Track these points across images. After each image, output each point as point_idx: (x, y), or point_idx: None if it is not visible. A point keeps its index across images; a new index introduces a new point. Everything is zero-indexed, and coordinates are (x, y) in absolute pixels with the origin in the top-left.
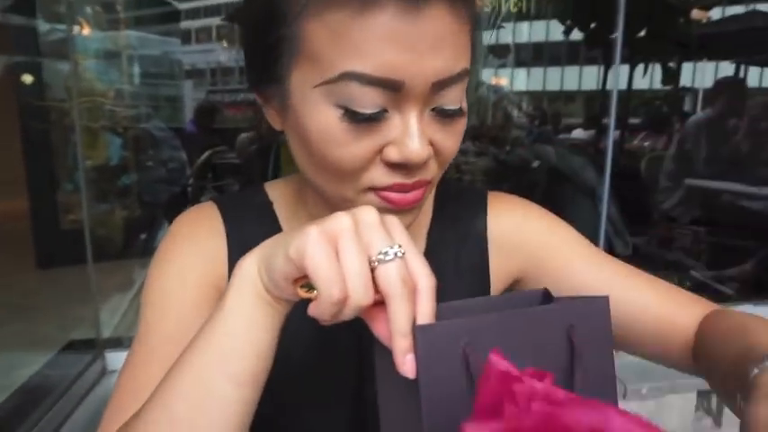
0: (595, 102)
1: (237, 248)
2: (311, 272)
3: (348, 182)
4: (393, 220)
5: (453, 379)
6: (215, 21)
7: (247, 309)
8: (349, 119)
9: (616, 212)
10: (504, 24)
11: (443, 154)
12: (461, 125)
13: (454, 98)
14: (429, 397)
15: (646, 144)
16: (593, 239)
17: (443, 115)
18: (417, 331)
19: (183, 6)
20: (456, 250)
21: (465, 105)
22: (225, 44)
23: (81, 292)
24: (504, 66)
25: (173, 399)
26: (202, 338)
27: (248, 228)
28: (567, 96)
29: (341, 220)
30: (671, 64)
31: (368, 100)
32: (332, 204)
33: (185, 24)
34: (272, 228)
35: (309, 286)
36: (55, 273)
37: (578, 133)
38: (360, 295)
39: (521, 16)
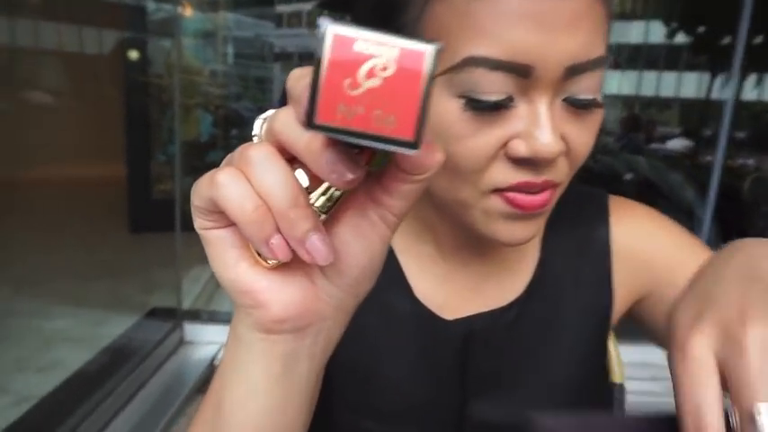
0: (694, 111)
1: None
2: (217, 199)
3: (468, 183)
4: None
5: None
6: (306, 6)
7: (248, 374)
8: (471, 108)
9: (714, 236)
10: None
11: (575, 152)
12: (597, 120)
13: (588, 87)
14: None
15: (750, 162)
16: None
17: (576, 106)
18: None
19: None
20: (575, 260)
21: (600, 98)
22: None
23: (166, 257)
24: None
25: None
26: (218, 390)
27: None
28: (662, 103)
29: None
30: None
31: (493, 87)
32: (450, 214)
33: (279, 8)
34: (390, 259)
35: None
36: (144, 238)
37: (675, 144)
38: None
39: (618, 15)
